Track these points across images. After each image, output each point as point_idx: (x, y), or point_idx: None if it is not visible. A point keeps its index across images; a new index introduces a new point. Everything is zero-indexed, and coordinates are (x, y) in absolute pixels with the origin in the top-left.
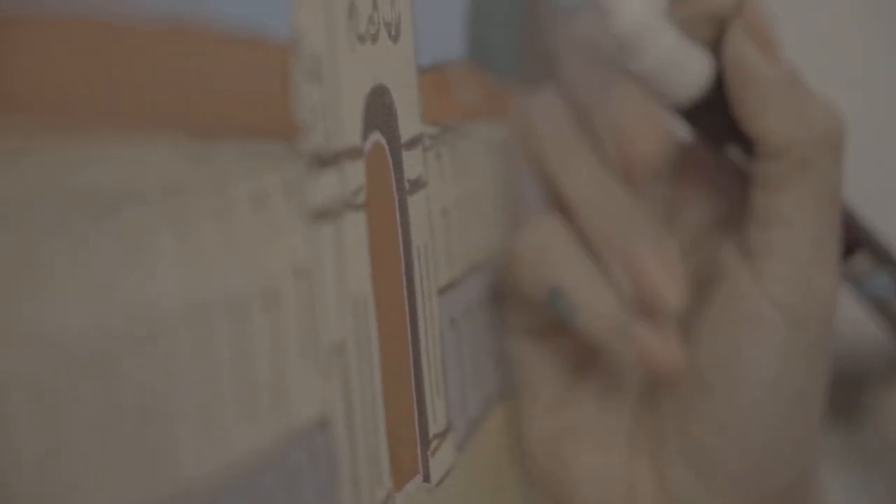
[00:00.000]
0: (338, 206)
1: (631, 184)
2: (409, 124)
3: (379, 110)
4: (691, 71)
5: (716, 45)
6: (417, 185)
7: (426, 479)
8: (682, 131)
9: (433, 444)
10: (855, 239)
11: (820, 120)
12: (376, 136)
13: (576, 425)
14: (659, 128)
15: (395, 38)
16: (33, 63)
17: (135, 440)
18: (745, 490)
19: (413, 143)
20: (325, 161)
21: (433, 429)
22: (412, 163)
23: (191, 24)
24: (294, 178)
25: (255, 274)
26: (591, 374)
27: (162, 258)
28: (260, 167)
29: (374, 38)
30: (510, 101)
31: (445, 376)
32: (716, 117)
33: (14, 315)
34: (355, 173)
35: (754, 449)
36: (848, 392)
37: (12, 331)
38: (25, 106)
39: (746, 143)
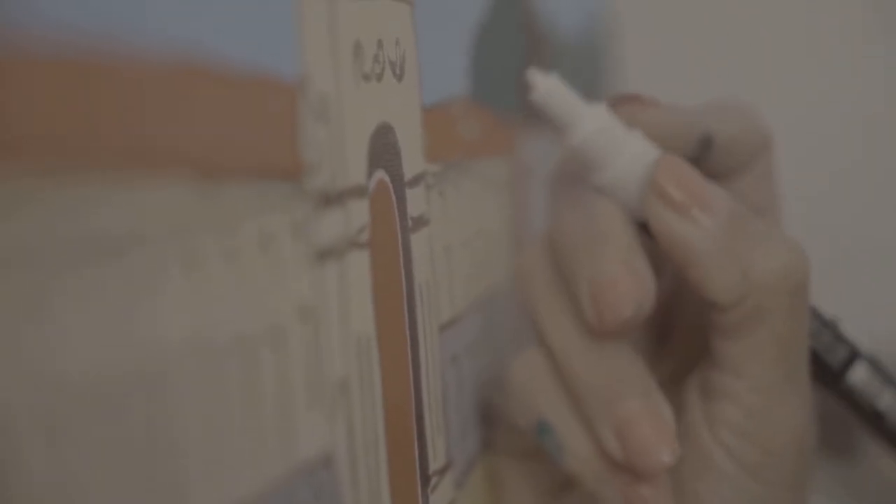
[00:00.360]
0: (342, 245)
1: (609, 340)
2: (412, 162)
3: (383, 149)
4: None
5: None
6: (420, 222)
7: None
8: None
9: (433, 481)
10: (851, 352)
11: (767, 271)
12: (380, 175)
13: None
14: (635, 282)
15: (399, 77)
16: (42, 105)
17: (143, 477)
18: None
19: (416, 180)
20: (331, 200)
21: (433, 465)
22: (415, 201)
23: (199, 64)
24: (300, 217)
25: (262, 313)
26: (572, 497)
27: (170, 298)
28: (267, 207)
29: (379, 77)
30: (513, 138)
31: (446, 413)
32: None
33: (25, 355)
34: (360, 212)
35: None
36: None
37: (24, 370)
38: (36, 148)
39: None
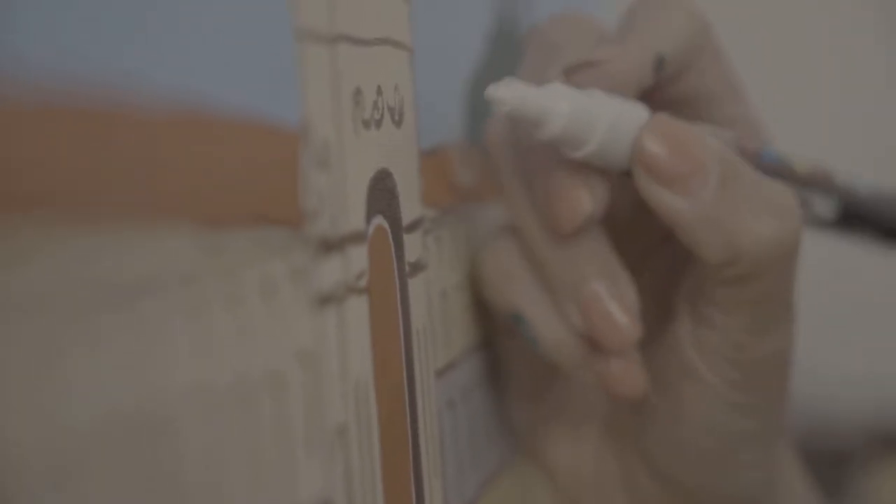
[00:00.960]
0: (342, 291)
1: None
2: (410, 207)
3: (382, 194)
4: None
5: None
6: (417, 267)
7: None
8: None
9: None
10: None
11: (755, 242)
12: (379, 220)
13: (551, 415)
14: (585, 188)
15: (398, 123)
16: (45, 155)
17: None
18: (704, 500)
19: (414, 226)
20: (331, 246)
21: None
22: (413, 246)
23: (203, 112)
24: (301, 263)
25: (263, 359)
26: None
27: (175, 345)
28: (268, 253)
29: (379, 124)
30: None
31: (443, 457)
32: None
33: (37, 398)
34: (359, 258)
35: (705, 469)
36: (829, 471)
37: (35, 413)
38: (40, 199)
39: None
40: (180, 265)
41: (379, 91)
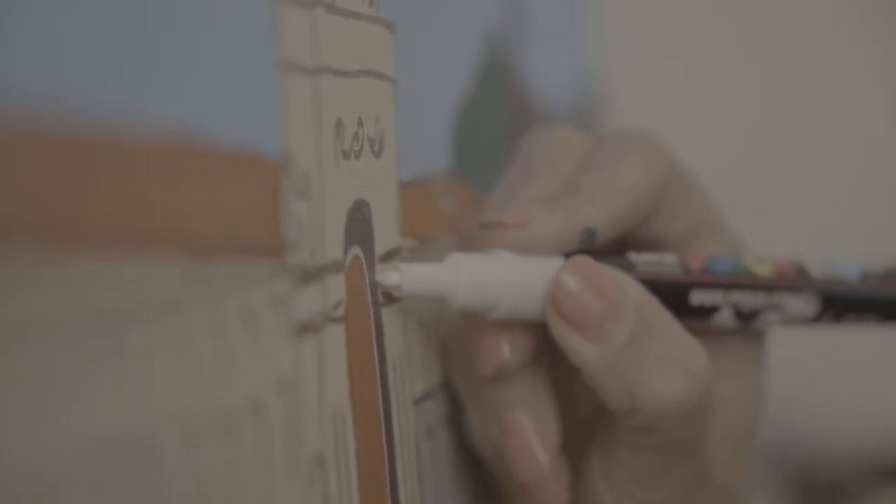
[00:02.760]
0: (320, 320)
1: (493, 384)
2: (386, 237)
3: (358, 224)
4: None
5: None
6: (392, 297)
7: None
8: None
9: None
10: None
11: (655, 399)
12: (356, 250)
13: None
14: (505, 334)
15: (377, 154)
16: (32, 184)
17: None
18: None
19: (389, 255)
20: (310, 276)
21: None
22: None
23: (186, 142)
24: (281, 293)
25: (244, 387)
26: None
27: (160, 373)
28: (250, 282)
29: (358, 155)
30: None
31: (421, 486)
32: None
33: (23, 425)
34: (336, 287)
35: None
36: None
37: (21, 440)
38: (28, 228)
39: None
40: (165, 294)
41: (360, 122)
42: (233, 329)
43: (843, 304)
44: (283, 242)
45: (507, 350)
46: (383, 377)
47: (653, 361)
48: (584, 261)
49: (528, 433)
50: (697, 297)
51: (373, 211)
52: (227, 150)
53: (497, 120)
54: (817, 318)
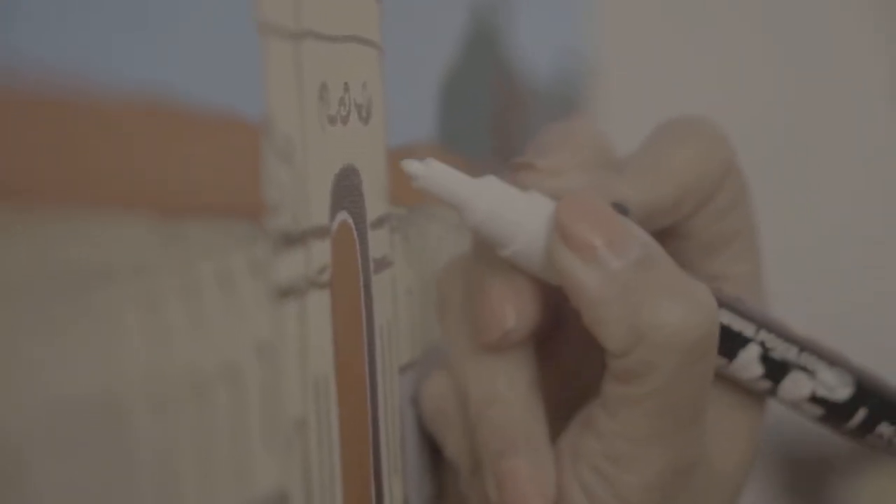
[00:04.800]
0: (302, 285)
1: (497, 353)
2: (376, 205)
3: (346, 190)
4: None
5: None
6: (383, 264)
7: None
8: None
9: None
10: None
11: (655, 327)
12: (343, 216)
13: None
14: (513, 301)
15: (365, 120)
16: (4, 144)
17: None
18: None
19: (380, 222)
20: (292, 240)
21: None
22: (378, 242)
23: (165, 103)
24: (261, 257)
25: (220, 350)
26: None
27: (130, 333)
28: (227, 246)
29: (345, 120)
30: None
31: (404, 454)
32: None
33: None
34: (321, 252)
35: None
36: (813, 477)
37: None
38: (8, 185)
39: None
40: (138, 254)
41: (346, 88)
42: (208, 292)
43: (877, 401)
44: (264, 206)
45: (513, 316)
46: (370, 344)
47: (658, 288)
48: (592, 195)
49: (526, 483)
50: (726, 318)
51: (362, 177)
52: (207, 112)
53: (484, 90)
54: (847, 407)
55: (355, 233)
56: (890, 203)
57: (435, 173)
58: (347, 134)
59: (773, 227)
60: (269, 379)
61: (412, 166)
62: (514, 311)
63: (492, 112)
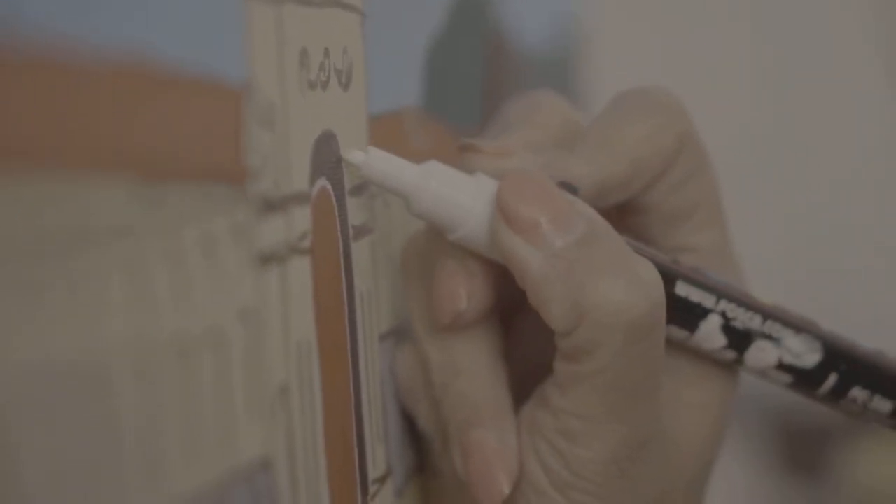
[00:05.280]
0: (284, 251)
1: (451, 331)
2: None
3: (326, 156)
4: None
5: None
6: (363, 231)
7: None
8: None
9: (372, 489)
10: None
11: (598, 306)
12: (323, 182)
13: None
14: (465, 283)
15: (345, 86)
16: None
17: (80, 471)
18: None
19: (359, 189)
20: (274, 206)
21: (373, 473)
22: (358, 209)
23: (145, 66)
24: (242, 222)
25: (203, 316)
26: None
27: (111, 297)
28: (209, 210)
29: (325, 86)
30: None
31: (386, 421)
32: None
33: None
34: (302, 218)
35: None
36: (809, 448)
37: None
38: None
39: None
40: (118, 218)
41: (326, 53)
42: (191, 256)
43: (847, 366)
44: (245, 171)
45: (464, 298)
46: (351, 311)
47: (601, 266)
48: (535, 173)
49: (492, 455)
50: (684, 290)
51: (340, 143)
52: (189, 76)
53: (475, 56)
54: (816, 373)
55: (334, 199)
56: (889, 203)
57: (377, 161)
58: (327, 99)
59: (771, 223)
60: (252, 345)
61: (353, 155)
62: (466, 293)
63: (483, 77)
